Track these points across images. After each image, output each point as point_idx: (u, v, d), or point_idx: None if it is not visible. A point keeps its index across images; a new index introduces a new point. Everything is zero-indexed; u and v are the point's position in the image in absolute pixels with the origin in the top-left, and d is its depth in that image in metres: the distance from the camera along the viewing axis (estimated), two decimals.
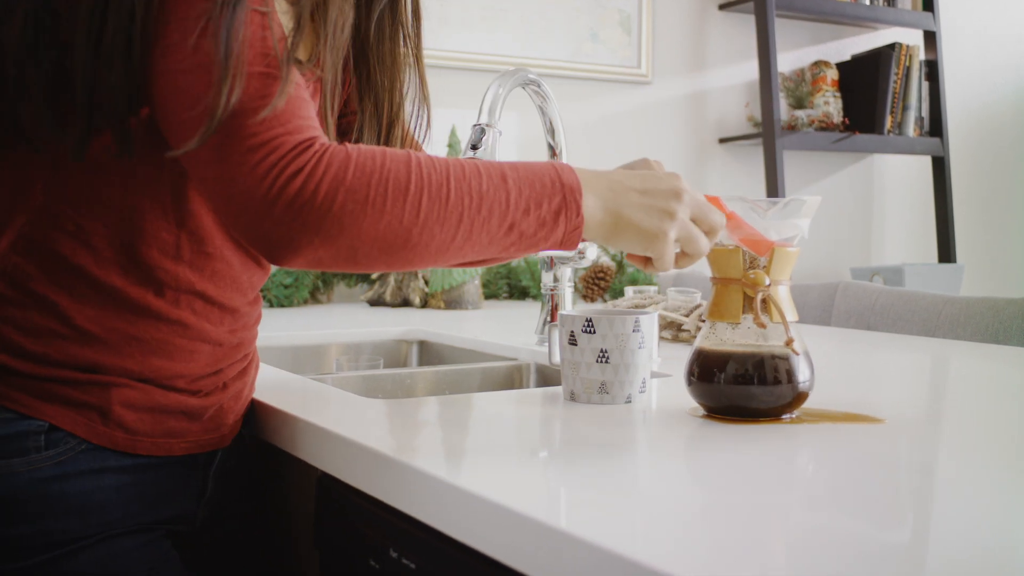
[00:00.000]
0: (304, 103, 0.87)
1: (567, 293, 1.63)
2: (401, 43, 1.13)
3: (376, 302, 2.49)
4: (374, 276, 2.52)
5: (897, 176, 3.75)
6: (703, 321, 1.65)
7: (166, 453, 0.99)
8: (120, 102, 0.88)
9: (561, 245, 0.91)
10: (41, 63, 0.89)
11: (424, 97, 1.15)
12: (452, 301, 2.44)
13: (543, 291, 1.63)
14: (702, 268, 3.08)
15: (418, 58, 1.14)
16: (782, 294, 1.02)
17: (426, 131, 1.17)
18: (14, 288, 0.94)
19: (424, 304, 2.46)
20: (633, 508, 0.73)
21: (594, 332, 1.09)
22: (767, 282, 1.00)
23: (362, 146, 0.86)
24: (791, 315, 1.02)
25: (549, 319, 1.63)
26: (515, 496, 0.74)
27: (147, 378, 0.97)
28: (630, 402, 1.10)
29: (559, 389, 1.17)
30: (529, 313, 2.28)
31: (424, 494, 0.81)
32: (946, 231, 3.61)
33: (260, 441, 1.15)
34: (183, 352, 0.99)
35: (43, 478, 0.93)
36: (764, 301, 1.01)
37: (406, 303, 2.47)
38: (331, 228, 0.83)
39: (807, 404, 1.04)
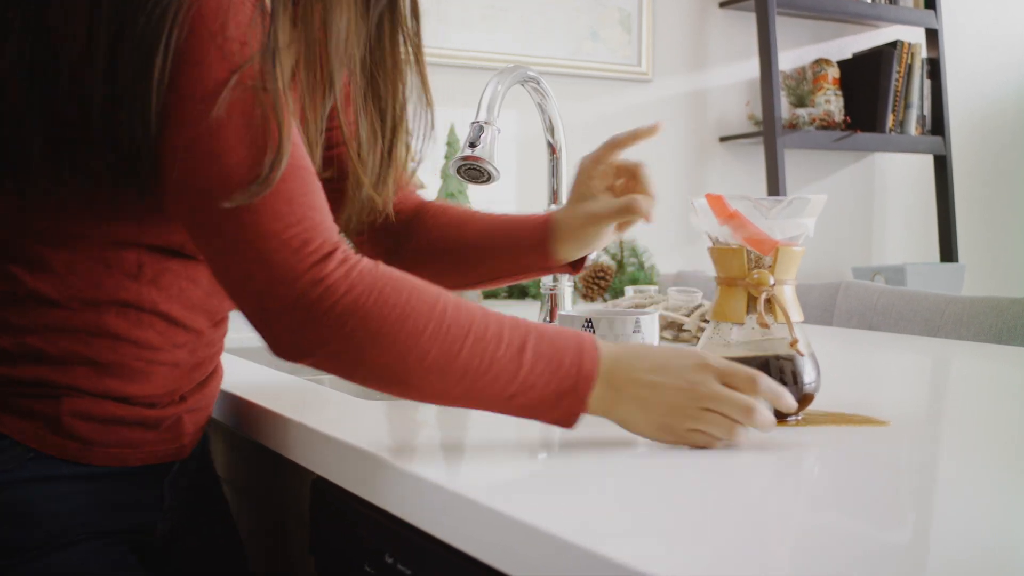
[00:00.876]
0: (317, 189, 0.86)
1: (567, 293, 1.61)
2: (401, 44, 1.10)
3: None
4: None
5: (899, 175, 3.73)
6: (705, 321, 1.64)
7: (120, 464, 0.97)
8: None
9: (556, 423, 0.88)
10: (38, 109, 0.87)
11: (427, 99, 1.13)
12: None
13: (542, 291, 1.62)
14: (704, 268, 3.07)
15: (419, 59, 1.12)
16: (787, 294, 1.00)
17: (428, 133, 1.14)
18: None
19: None
20: (633, 513, 0.72)
21: (593, 332, 1.07)
22: (771, 282, 0.99)
23: (395, 271, 0.85)
24: (796, 316, 1.00)
25: (548, 319, 1.62)
26: (512, 502, 0.72)
27: (100, 394, 0.95)
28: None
29: None
30: (528, 312, 2.26)
31: (420, 499, 0.80)
32: (948, 230, 3.59)
33: (254, 443, 1.13)
34: (139, 374, 0.97)
35: None
36: (768, 301, 0.99)
37: None
38: (335, 349, 0.82)
39: (812, 406, 1.02)
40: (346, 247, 0.85)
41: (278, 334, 0.83)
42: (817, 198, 0.99)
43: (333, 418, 1.03)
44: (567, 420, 0.87)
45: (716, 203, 1.00)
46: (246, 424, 1.13)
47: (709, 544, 0.65)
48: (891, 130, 3.45)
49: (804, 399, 1.00)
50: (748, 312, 1.00)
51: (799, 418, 1.00)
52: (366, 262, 0.84)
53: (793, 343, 0.98)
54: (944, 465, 0.89)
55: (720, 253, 1.02)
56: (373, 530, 0.91)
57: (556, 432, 0.99)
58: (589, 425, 0.98)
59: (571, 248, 1.15)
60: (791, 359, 0.98)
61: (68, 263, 0.92)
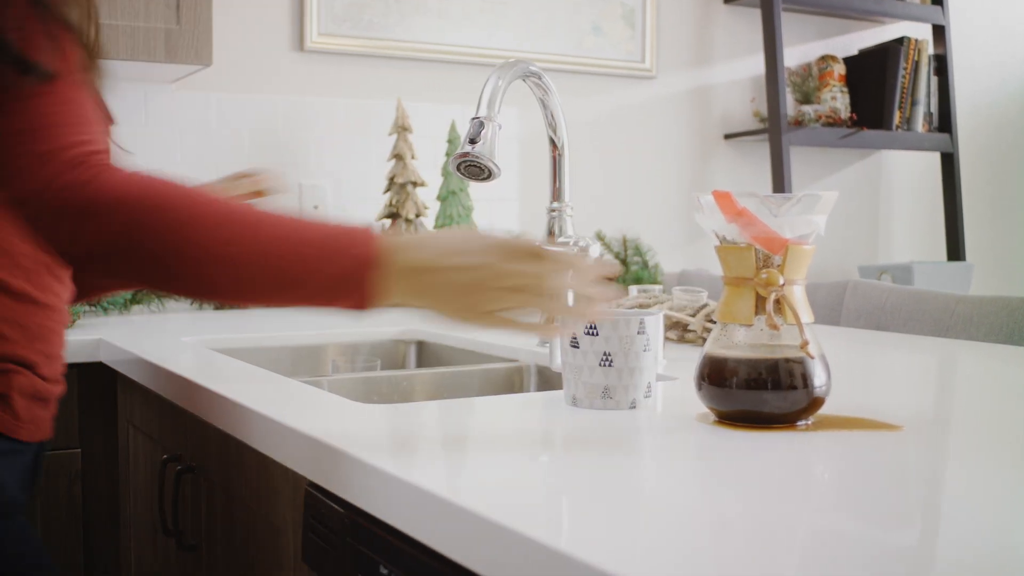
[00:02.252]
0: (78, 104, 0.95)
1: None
2: None
3: None
4: None
5: (905, 172, 3.70)
6: (712, 322, 1.61)
7: (30, 439, 1.07)
8: None
9: (350, 309, 0.90)
10: None
11: None
12: None
13: None
14: (708, 266, 3.04)
15: None
16: (797, 294, 0.97)
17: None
18: None
19: None
20: (638, 523, 0.68)
21: (597, 334, 1.03)
22: (781, 282, 0.95)
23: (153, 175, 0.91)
24: (806, 316, 0.97)
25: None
26: (513, 513, 0.69)
27: (30, 363, 1.05)
28: (635, 407, 1.05)
29: (561, 393, 1.12)
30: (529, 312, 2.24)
31: (417, 509, 0.76)
32: (955, 228, 3.56)
33: (247, 448, 1.10)
34: (53, 335, 1.08)
35: None
36: (778, 302, 0.96)
37: None
38: (107, 234, 0.88)
39: (823, 410, 0.99)
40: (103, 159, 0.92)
41: (49, 230, 0.90)
42: (828, 195, 0.96)
43: (327, 422, 1.00)
44: (359, 303, 0.89)
45: (724, 200, 0.97)
46: (241, 428, 1.10)
47: (715, 559, 0.62)
48: (898, 127, 3.42)
49: (814, 402, 0.96)
50: (756, 313, 0.97)
51: (809, 422, 0.97)
52: (120, 169, 0.91)
53: (803, 345, 0.95)
54: (958, 470, 0.86)
55: (728, 252, 0.98)
56: (368, 540, 0.88)
57: (558, 439, 0.96)
58: (592, 433, 0.94)
59: None
60: (801, 361, 0.95)
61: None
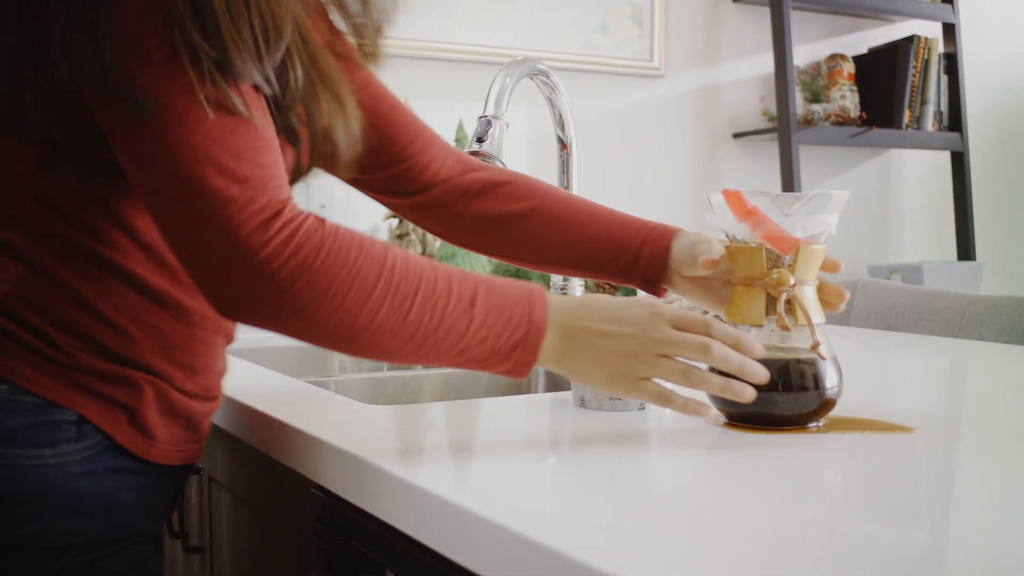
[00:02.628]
0: (272, 146, 0.83)
1: (577, 292, 1.57)
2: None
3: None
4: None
5: (915, 172, 3.68)
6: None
7: (166, 462, 0.95)
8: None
9: (507, 373, 0.87)
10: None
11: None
12: None
13: (552, 288, 1.57)
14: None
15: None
16: (808, 295, 0.96)
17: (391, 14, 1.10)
18: (36, 274, 0.89)
19: None
20: (649, 528, 0.67)
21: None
22: (792, 282, 0.94)
23: (341, 229, 0.83)
24: (817, 317, 0.95)
25: None
26: (522, 517, 0.68)
27: (168, 376, 0.93)
28: (643, 409, 1.04)
29: (569, 394, 1.11)
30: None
31: (424, 513, 0.75)
32: (965, 228, 3.54)
33: (252, 450, 1.09)
34: (202, 345, 0.96)
35: (72, 473, 0.88)
36: (789, 302, 0.94)
37: None
38: (283, 308, 0.80)
39: (834, 411, 0.98)
40: (294, 205, 0.82)
41: (222, 292, 0.81)
42: (839, 194, 0.95)
43: (335, 425, 0.99)
44: (519, 371, 0.86)
45: (734, 199, 0.95)
46: (246, 429, 1.09)
47: (725, 562, 0.60)
48: (907, 126, 3.40)
49: (826, 404, 0.95)
50: (767, 314, 0.95)
51: (821, 424, 0.96)
52: (312, 220, 0.81)
53: (815, 346, 0.94)
54: (971, 473, 0.84)
55: (737, 252, 0.97)
56: (375, 545, 0.87)
57: (567, 441, 0.95)
58: (600, 435, 0.93)
59: (677, 273, 1.10)
60: (812, 363, 0.94)
61: (114, 224, 0.90)
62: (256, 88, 0.83)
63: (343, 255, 0.81)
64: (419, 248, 2.45)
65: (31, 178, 0.89)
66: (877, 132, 3.31)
